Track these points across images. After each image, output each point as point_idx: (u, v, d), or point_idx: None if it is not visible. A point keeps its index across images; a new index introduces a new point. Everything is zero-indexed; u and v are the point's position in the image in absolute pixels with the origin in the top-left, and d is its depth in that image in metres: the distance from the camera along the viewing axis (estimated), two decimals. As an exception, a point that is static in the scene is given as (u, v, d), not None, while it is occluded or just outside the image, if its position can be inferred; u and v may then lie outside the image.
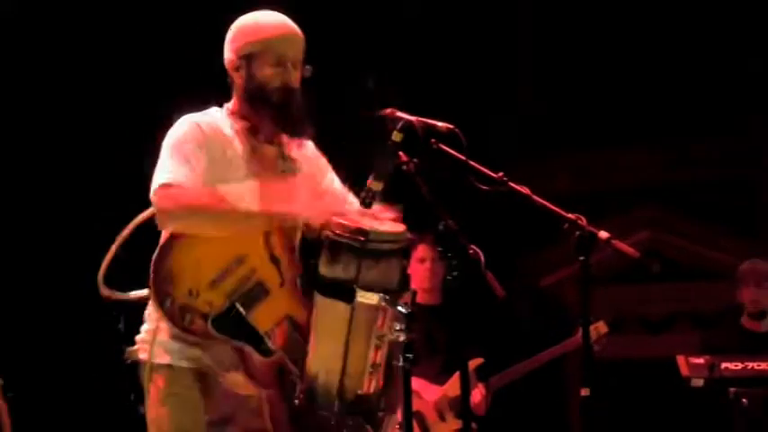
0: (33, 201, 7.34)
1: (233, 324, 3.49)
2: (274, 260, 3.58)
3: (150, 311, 3.63)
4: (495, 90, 8.41)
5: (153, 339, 3.60)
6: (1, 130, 7.24)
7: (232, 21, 3.78)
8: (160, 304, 3.50)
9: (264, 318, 3.54)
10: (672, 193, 8.97)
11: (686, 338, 8.31)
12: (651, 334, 9.15)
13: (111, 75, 7.32)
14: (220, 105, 3.75)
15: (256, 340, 3.52)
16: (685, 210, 9.02)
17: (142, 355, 3.64)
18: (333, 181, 3.84)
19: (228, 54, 3.71)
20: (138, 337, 3.69)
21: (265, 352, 3.53)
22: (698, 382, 6.02)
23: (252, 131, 3.70)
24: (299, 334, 3.55)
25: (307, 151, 3.80)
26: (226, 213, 3.54)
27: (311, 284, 3.47)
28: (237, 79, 3.70)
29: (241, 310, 3.50)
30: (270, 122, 3.69)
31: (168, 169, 3.52)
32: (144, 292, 3.62)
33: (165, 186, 3.49)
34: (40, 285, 7.23)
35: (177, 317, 3.48)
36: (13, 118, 7.29)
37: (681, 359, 6.07)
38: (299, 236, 3.68)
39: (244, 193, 3.61)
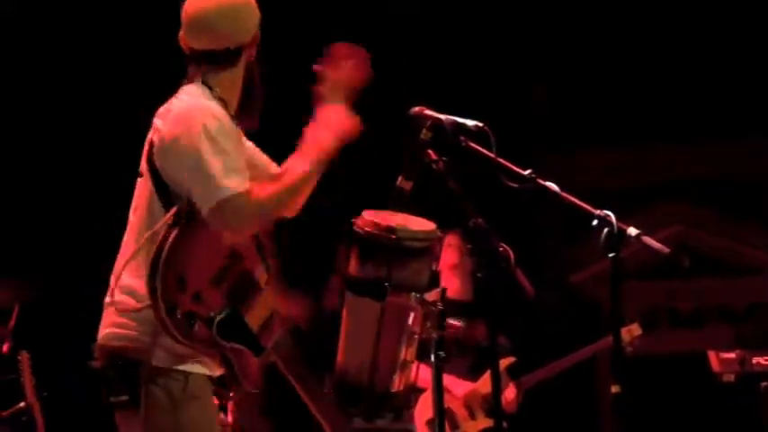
0: (33, 201, 7.31)
1: (236, 328, 3.33)
2: (260, 248, 3.47)
3: (145, 314, 3.36)
4: (522, 87, 8.41)
5: (153, 341, 3.36)
6: (1, 130, 7.25)
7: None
8: (168, 314, 3.27)
9: (255, 314, 3.40)
10: (701, 189, 8.95)
11: (717, 334, 8.30)
12: (681, 329, 9.12)
13: (112, 75, 7.30)
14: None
15: (251, 340, 3.38)
16: (715, 205, 8.99)
17: (139, 356, 3.38)
18: None
19: (242, 32, 3.52)
20: (125, 333, 3.42)
21: (258, 351, 3.40)
22: (729, 377, 6.01)
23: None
24: (283, 328, 3.51)
25: None
26: (288, 189, 3.43)
27: (346, 284, 3.47)
28: (248, 58, 3.54)
29: (241, 312, 3.35)
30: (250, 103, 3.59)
31: (223, 176, 3.31)
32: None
33: (225, 200, 3.29)
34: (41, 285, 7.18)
35: (184, 326, 3.28)
36: (13, 118, 7.30)
37: (712, 354, 6.05)
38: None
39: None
